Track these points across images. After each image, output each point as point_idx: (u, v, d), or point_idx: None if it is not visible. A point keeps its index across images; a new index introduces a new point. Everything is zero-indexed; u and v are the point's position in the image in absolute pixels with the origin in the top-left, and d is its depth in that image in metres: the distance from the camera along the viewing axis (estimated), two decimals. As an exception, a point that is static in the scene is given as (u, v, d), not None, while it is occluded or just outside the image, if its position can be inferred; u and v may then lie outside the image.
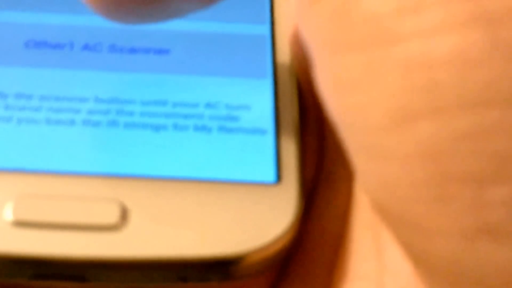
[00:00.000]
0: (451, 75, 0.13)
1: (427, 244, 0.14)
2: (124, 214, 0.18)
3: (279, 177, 0.19)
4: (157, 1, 0.17)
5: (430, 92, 0.13)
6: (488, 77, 0.13)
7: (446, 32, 0.13)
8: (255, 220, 0.18)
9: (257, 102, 0.20)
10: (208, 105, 0.20)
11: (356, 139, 0.14)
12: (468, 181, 0.13)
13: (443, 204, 0.13)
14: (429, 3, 0.13)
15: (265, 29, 0.22)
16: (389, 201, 0.14)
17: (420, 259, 0.14)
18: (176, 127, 0.20)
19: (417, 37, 0.13)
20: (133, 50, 0.21)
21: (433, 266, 0.14)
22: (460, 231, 0.13)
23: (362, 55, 0.14)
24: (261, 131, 0.20)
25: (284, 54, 0.21)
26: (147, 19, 0.18)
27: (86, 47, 0.21)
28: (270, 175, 0.19)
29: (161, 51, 0.21)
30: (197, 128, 0.20)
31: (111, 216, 0.18)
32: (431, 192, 0.13)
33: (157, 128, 0.20)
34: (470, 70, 0.13)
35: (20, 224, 0.18)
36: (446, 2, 0.13)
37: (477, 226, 0.13)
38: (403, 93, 0.13)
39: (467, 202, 0.13)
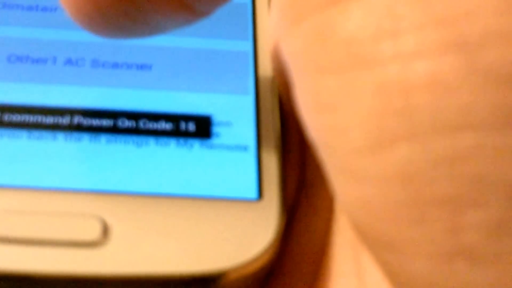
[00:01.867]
0: (427, 100, 0.13)
1: (405, 265, 0.14)
2: (105, 231, 0.18)
3: (260, 193, 0.19)
4: (140, 19, 0.17)
5: (407, 116, 0.13)
6: (463, 102, 0.13)
7: (423, 57, 0.13)
8: (236, 237, 0.18)
9: (239, 118, 0.20)
10: (190, 121, 0.20)
11: (334, 160, 0.14)
12: (444, 204, 0.13)
13: (421, 226, 0.13)
14: (407, 28, 0.13)
15: (248, 46, 0.22)
16: (368, 222, 0.14)
17: (399, 281, 0.14)
18: (157, 143, 0.20)
19: (394, 62, 0.13)
20: (115, 65, 0.21)
21: (410, 287, 0.14)
22: (438, 253, 0.13)
23: (340, 77, 0.14)
24: (242, 148, 0.20)
25: (266, 71, 0.21)
26: (130, 35, 0.18)
27: (68, 61, 0.21)
28: (252, 192, 0.19)
29: (143, 67, 0.21)
30: (179, 144, 0.20)
31: (92, 232, 0.18)
32: (408, 214, 0.13)
33: (139, 144, 0.20)
34: (446, 95, 0.13)
35: (0, 240, 0.17)
36: (423, 27, 0.13)
37: (454, 248, 0.13)
38: (380, 117, 0.13)
39: (443, 225, 0.13)
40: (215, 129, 0.20)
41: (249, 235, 0.18)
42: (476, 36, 0.13)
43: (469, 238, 0.13)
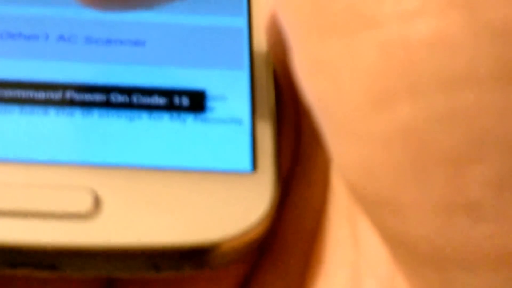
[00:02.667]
0: (429, 57, 0.13)
1: (404, 224, 0.14)
2: (96, 203, 0.18)
3: (254, 166, 0.19)
4: None
5: (409, 74, 0.13)
6: (466, 58, 0.13)
7: (426, 15, 0.13)
8: (230, 209, 0.18)
9: (234, 93, 0.20)
10: (184, 95, 0.20)
11: (333, 122, 0.14)
12: (447, 161, 0.13)
13: (422, 185, 0.13)
14: None
15: (242, 22, 0.22)
16: (367, 184, 0.14)
17: (396, 242, 0.14)
18: (151, 117, 0.20)
19: (396, 21, 0.13)
20: (109, 42, 0.21)
21: (410, 247, 0.14)
22: (439, 209, 0.13)
23: (342, 39, 0.13)
24: (237, 121, 0.20)
25: (261, 46, 0.21)
26: (125, 7, 0.18)
27: (61, 38, 0.21)
28: (246, 164, 0.19)
29: (137, 43, 0.21)
30: (173, 118, 0.20)
31: (84, 204, 0.18)
32: (410, 173, 0.13)
33: (131, 118, 0.19)
34: (449, 52, 0.13)
35: None
36: None
37: (456, 205, 0.13)
38: (381, 75, 0.13)
39: (445, 181, 0.13)
40: (209, 103, 0.20)
41: (243, 206, 0.18)
42: None
43: (472, 193, 0.13)
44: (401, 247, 0.14)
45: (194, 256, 0.18)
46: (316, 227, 0.19)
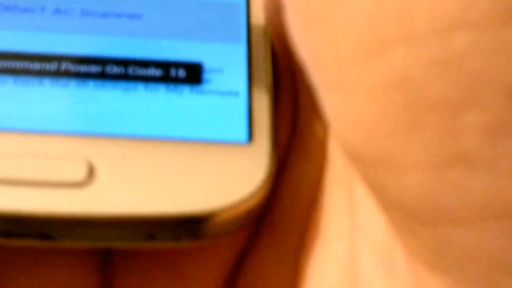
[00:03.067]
0: (423, 1, 0.12)
1: (398, 181, 0.13)
2: (91, 172, 0.18)
3: (251, 137, 0.19)
4: None
5: (402, 18, 0.13)
6: (460, 1, 0.12)
7: None
8: (226, 179, 0.18)
9: (231, 65, 0.20)
10: (180, 67, 0.20)
11: (326, 75, 0.14)
12: (441, 108, 0.13)
13: (415, 134, 0.13)
14: None
15: None
16: (360, 138, 0.14)
17: (391, 202, 0.14)
18: (147, 88, 0.19)
19: None
20: (105, 15, 0.21)
21: (404, 206, 0.14)
22: (433, 161, 0.13)
23: None
24: (234, 93, 0.19)
25: (259, 20, 0.21)
26: None
27: (57, 11, 0.21)
28: (242, 135, 0.19)
29: (134, 16, 0.21)
30: (169, 90, 0.19)
31: (78, 173, 0.17)
32: (403, 123, 0.13)
33: (127, 89, 0.19)
34: None
35: None
36: None
37: (450, 154, 0.13)
38: (374, 22, 0.13)
39: (440, 129, 0.13)
40: (206, 75, 0.20)
41: (239, 176, 0.18)
42: None
43: (467, 142, 0.13)
44: (396, 208, 0.14)
45: (190, 226, 0.17)
46: (313, 199, 0.19)
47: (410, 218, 0.14)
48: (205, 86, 0.20)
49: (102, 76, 0.19)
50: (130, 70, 0.20)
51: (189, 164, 0.18)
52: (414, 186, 0.13)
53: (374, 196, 0.15)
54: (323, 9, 0.13)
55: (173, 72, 0.20)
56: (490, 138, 0.12)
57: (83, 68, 0.20)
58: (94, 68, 0.20)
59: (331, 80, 0.14)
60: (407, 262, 0.15)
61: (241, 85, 0.20)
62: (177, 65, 0.20)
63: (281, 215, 0.19)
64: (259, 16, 0.21)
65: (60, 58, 0.20)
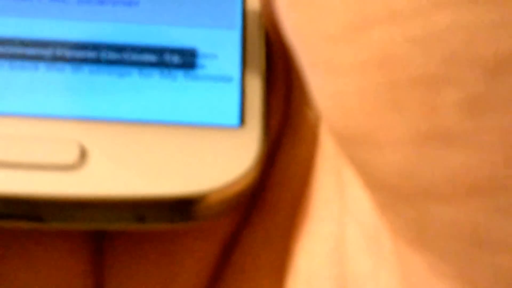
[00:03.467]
0: None
1: (381, 157, 0.14)
2: (83, 154, 0.18)
3: (242, 121, 0.19)
4: None
5: None
6: None
7: None
8: (216, 161, 0.18)
9: (225, 51, 0.20)
10: (175, 53, 0.20)
11: (311, 53, 0.14)
12: (420, 85, 0.13)
13: (396, 111, 0.13)
14: None
15: None
16: (343, 116, 0.14)
17: (375, 181, 0.14)
18: (141, 74, 0.20)
19: None
20: (101, 2, 0.21)
21: (388, 184, 0.14)
22: (413, 137, 0.13)
23: None
24: (227, 78, 0.20)
25: (254, 6, 0.21)
26: None
27: None
28: (234, 119, 0.19)
29: (130, 3, 0.21)
30: (163, 75, 0.20)
31: (70, 156, 0.18)
32: (383, 100, 0.13)
33: (122, 74, 0.19)
34: None
35: None
36: None
37: (429, 131, 0.13)
38: (357, 0, 0.13)
39: (419, 106, 0.13)
40: (200, 60, 0.20)
41: (229, 159, 0.18)
42: None
43: (446, 118, 0.13)
44: (379, 185, 0.14)
45: (181, 208, 0.18)
46: (304, 182, 0.19)
47: (392, 195, 0.14)
48: (198, 71, 0.20)
49: (97, 61, 0.20)
50: (125, 56, 0.20)
51: (181, 147, 0.18)
52: (396, 162, 0.13)
53: (359, 175, 0.15)
54: None
55: (167, 57, 0.20)
56: (468, 113, 0.13)
57: (79, 54, 0.20)
58: (89, 54, 0.20)
59: (315, 59, 0.14)
60: (392, 242, 0.15)
61: (235, 70, 0.20)
62: (171, 50, 0.20)
63: (272, 198, 0.19)
64: (254, 2, 0.21)
65: (56, 44, 0.20)
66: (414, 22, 0.13)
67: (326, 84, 0.14)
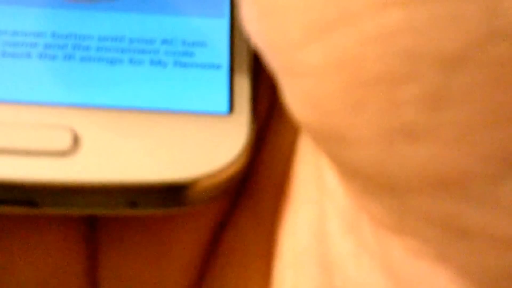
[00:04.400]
0: None
1: (352, 154, 0.14)
2: (75, 140, 0.18)
3: (231, 108, 0.19)
4: None
5: (339, 0, 0.13)
6: None
7: None
8: (206, 148, 0.18)
9: (214, 39, 0.21)
10: (165, 42, 0.20)
11: (279, 59, 0.14)
12: (380, 83, 0.13)
13: (359, 111, 0.13)
14: None
15: None
16: (311, 116, 0.14)
17: (350, 173, 0.15)
18: (131, 61, 0.20)
19: None
20: None
21: (363, 174, 0.14)
22: (378, 135, 0.14)
23: None
24: (216, 66, 0.20)
25: None
26: None
27: None
28: (223, 106, 0.19)
29: None
30: (153, 63, 0.20)
31: (63, 142, 0.18)
32: (346, 101, 0.14)
33: (112, 62, 0.20)
34: None
35: None
36: None
37: (394, 127, 0.13)
38: (315, 6, 0.13)
39: (380, 104, 0.13)
40: (189, 48, 0.20)
41: (219, 146, 0.18)
42: None
43: (407, 114, 0.13)
44: (354, 177, 0.15)
45: (172, 193, 0.18)
46: (287, 168, 0.19)
47: (369, 185, 0.14)
48: (188, 59, 0.20)
49: (88, 49, 0.20)
50: (116, 44, 0.20)
51: (171, 133, 0.18)
52: (366, 158, 0.14)
53: (334, 166, 0.15)
54: (271, 2, 0.14)
55: (157, 45, 0.20)
56: (428, 109, 0.13)
57: (71, 42, 0.20)
58: (80, 42, 0.20)
59: (284, 65, 0.14)
60: (371, 226, 0.16)
61: (223, 58, 0.20)
62: (161, 39, 0.20)
63: (259, 183, 0.19)
64: None
65: (48, 33, 0.20)
66: (368, 21, 0.13)
67: (293, 87, 0.14)
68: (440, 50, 0.13)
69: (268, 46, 0.15)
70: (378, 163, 0.14)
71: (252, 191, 0.19)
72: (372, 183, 0.14)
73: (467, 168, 0.13)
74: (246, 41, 0.21)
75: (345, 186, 0.16)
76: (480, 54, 0.13)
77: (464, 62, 0.13)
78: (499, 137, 0.13)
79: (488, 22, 0.13)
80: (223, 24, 0.21)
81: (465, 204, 0.14)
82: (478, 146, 0.13)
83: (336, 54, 0.13)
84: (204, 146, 0.18)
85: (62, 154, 0.18)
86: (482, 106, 0.13)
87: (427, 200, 0.14)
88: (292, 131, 0.20)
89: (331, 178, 0.17)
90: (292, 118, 0.20)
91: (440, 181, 0.13)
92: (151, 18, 0.21)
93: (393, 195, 0.14)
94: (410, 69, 0.13)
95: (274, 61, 0.15)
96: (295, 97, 0.15)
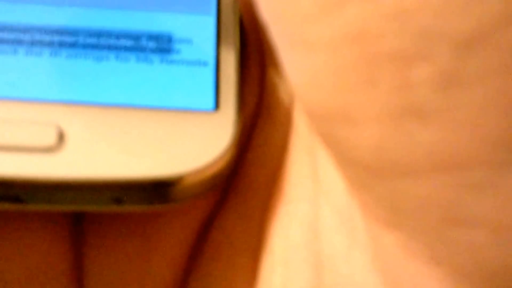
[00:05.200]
0: None
1: (354, 134, 0.14)
2: (61, 137, 0.18)
3: (217, 105, 0.19)
4: None
5: None
6: None
7: None
8: (192, 144, 0.18)
9: (200, 36, 0.21)
10: (151, 38, 0.20)
11: (286, 31, 0.14)
12: (394, 61, 0.13)
13: (370, 87, 0.13)
14: None
15: None
16: (318, 93, 0.14)
17: (348, 156, 0.15)
18: (118, 58, 0.20)
19: None
20: None
21: (361, 160, 0.14)
22: (387, 114, 0.13)
23: None
24: (202, 63, 0.20)
25: None
26: None
27: None
28: (209, 103, 0.19)
29: None
30: (139, 59, 0.20)
31: (48, 138, 0.18)
32: (358, 76, 0.13)
33: (98, 58, 0.20)
34: None
35: None
36: None
37: (404, 107, 0.13)
38: None
39: (393, 82, 0.13)
40: (176, 45, 0.20)
41: (205, 142, 0.18)
42: None
43: (418, 93, 0.13)
44: (351, 163, 0.15)
45: (158, 190, 0.18)
46: (279, 164, 0.19)
47: (365, 172, 0.14)
48: (174, 56, 0.20)
49: (75, 46, 0.20)
50: (102, 41, 0.20)
51: (157, 130, 0.18)
52: (369, 138, 0.14)
53: (332, 154, 0.15)
54: None
55: (143, 42, 0.20)
56: (439, 89, 0.13)
57: (57, 39, 0.20)
58: (67, 39, 0.20)
59: (291, 37, 0.14)
60: (365, 221, 0.16)
61: (210, 55, 0.20)
62: (148, 35, 0.20)
63: (248, 179, 0.19)
64: None
65: (34, 29, 0.20)
66: None
67: (302, 62, 0.14)
68: (456, 31, 0.13)
69: (276, 18, 0.14)
70: (383, 143, 0.14)
71: (241, 187, 0.19)
72: (371, 167, 0.14)
73: (475, 153, 0.13)
74: (233, 38, 0.21)
75: (343, 177, 0.16)
76: (496, 37, 0.13)
77: (480, 44, 0.13)
78: (510, 123, 0.13)
79: (506, 4, 0.12)
80: (210, 21, 0.21)
81: (467, 191, 0.13)
82: (488, 131, 0.13)
83: (350, 28, 0.13)
84: (189, 143, 0.18)
85: (47, 150, 0.18)
86: (495, 90, 0.13)
87: (428, 185, 0.14)
88: (282, 125, 0.20)
89: (328, 174, 0.17)
90: (283, 113, 0.20)
91: (445, 164, 0.13)
92: (137, 15, 0.21)
93: (390, 180, 0.14)
94: (425, 48, 0.13)
95: (281, 35, 0.14)
96: (302, 73, 0.14)
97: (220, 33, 0.21)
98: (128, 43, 0.20)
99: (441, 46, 0.13)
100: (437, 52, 0.13)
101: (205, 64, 0.20)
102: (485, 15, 0.13)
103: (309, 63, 0.14)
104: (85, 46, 0.20)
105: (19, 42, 0.20)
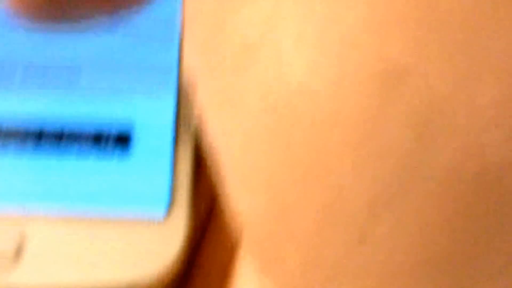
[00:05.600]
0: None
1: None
2: (20, 246, 0.19)
3: (169, 212, 0.20)
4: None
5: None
6: None
7: None
8: (143, 254, 0.19)
9: (159, 128, 0.21)
10: (110, 138, 0.21)
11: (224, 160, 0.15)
12: None
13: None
14: None
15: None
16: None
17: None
18: (78, 158, 0.21)
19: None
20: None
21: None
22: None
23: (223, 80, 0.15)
24: (158, 166, 0.21)
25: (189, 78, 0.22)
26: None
27: None
28: (161, 211, 0.20)
29: (71, 81, 0.22)
30: (99, 162, 0.21)
31: (8, 246, 0.19)
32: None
33: (59, 158, 0.21)
34: None
35: None
36: None
37: None
38: (259, 115, 0.14)
39: None
40: (134, 147, 0.21)
41: (154, 252, 0.19)
42: None
43: None
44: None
45: None
46: (228, 265, 0.20)
47: None
48: (132, 159, 0.21)
49: (36, 146, 0.21)
50: (63, 143, 0.21)
51: (110, 240, 0.19)
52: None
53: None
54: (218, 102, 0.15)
55: (103, 144, 0.21)
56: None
57: (19, 141, 0.21)
58: (28, 139, 0.21)
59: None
60: None
61: (167, 158, 0.21)
62: (108, 137, 0.21)
63: (198, 282, 0.20)
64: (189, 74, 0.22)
65: None
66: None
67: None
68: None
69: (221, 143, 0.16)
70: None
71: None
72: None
73: None
74: (189, 137, 0.21)
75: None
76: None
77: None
78: None
79: None
80: (169, 107, 0.22)
81: None
82: None
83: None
84: (140, 252, 0.19)
85: (7, 258, 0.19)
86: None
87: None
88: (232, 229, 0.20)
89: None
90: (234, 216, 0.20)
91: None
92: (99, 106, 0.22)
93: None
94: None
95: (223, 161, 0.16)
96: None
97: (178, 126, 0.21)
98: (88, 143, 0.21)
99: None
100: None
101: (161, 168, 0.21)
102: None
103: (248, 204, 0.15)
104: (47, 146, 0.21)
105: None
